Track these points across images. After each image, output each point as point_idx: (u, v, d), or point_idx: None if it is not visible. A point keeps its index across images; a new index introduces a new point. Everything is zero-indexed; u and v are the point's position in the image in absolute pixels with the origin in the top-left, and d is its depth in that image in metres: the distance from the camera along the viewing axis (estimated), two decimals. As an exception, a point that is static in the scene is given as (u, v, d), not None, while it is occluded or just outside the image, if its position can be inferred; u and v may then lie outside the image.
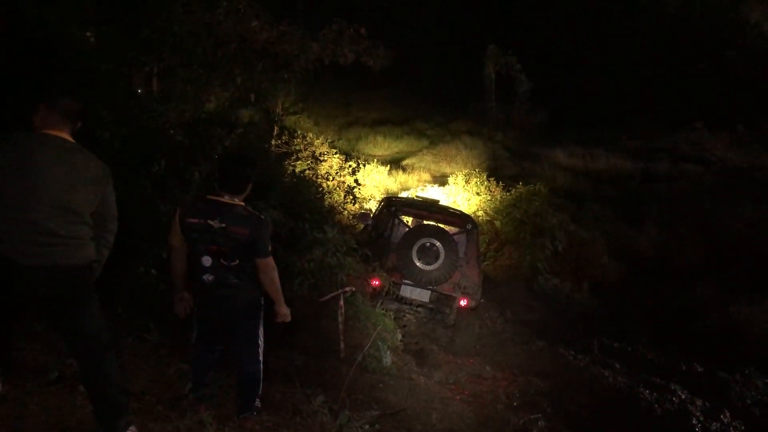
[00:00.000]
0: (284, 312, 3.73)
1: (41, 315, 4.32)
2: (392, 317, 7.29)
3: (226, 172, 3.53)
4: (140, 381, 3.83)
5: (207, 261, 3.40)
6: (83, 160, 3.07)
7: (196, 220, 3.39)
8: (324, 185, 10.63)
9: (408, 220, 9.18)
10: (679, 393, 6.94)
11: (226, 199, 3.47)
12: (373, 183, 15.00)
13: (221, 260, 3.40)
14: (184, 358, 4.30)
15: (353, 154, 16.45)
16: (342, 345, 6.05)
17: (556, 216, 12.03)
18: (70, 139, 3.10)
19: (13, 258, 2.72)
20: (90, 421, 2.80)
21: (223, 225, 3.37)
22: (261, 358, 3.69)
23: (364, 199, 13.12)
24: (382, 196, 13.52)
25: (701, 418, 6.38)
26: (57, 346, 3.89)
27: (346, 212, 11.45)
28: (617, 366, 7.88)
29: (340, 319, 6.07)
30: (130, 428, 2.88)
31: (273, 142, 11.74)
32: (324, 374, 5.53)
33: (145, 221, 6.10)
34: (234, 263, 3.42)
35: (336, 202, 11.16)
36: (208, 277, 3.42)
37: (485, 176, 14.48)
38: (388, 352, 6.41)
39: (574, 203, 13.88)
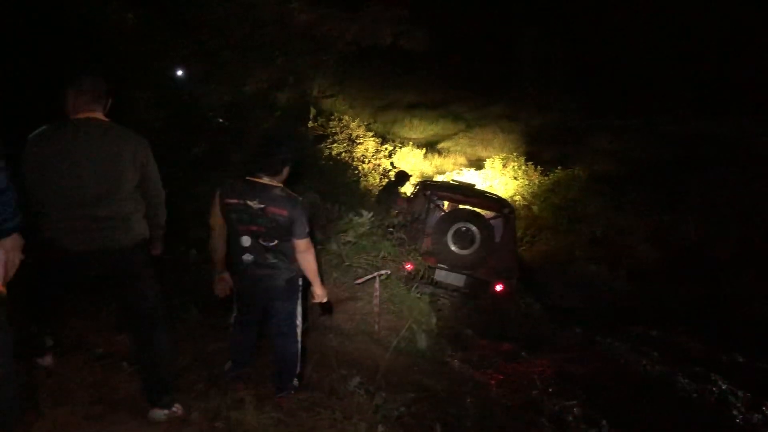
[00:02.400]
0: (321, 293, 3.76)
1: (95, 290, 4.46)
2: (427, 301, 7.28)
3: (264, 154, 3.55)
4: (180, 359, 3.89)
5: (246, 241, 3.44)
6: (119, 137, 3.09)
7: (235, 201, 3.43)
8: (360, 168, 10.64)
9: (444, 204, 9.13)
10: (720, 383, 6.80)
11: (265, 180, 3.50)
12: (409, 166, 14.92)
13: (260, 240, 3.44)
14: (223, 337, 4.35)
15: (388, 137, 16.41)
16: (377, 327, 6.07)
17: (595, 202, 11.85)
18: (104, 118, 3.12)
19: (64, 245, 2.79)
20: (133, 397, 2.87)
21: (262, 206, 3.40)
22: (299, 338, 3.72)
23: (398, 179, 13.07)
24: (418, 180, 13.48)
25: (742, 410, 6.25)
26: (103, 323, 3.99)
27: (382, 195, 11.44)
28: (655, 354, 7.75)
29: (375, 301, 6.08)
30: (175, 405, 2.95)
31: (310, 124, 11.79)
32: (359, 355, 5.56)
33: (185, 202, 6.20)
34: (272, 244, 3.46)
35: (371, 185, 11.17)
36: (247, 257, 3.46)
37: (523, 160, 14.31)
38: (423, 336, 6.40)
39: (613, 189, 13.60)
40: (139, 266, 3.07)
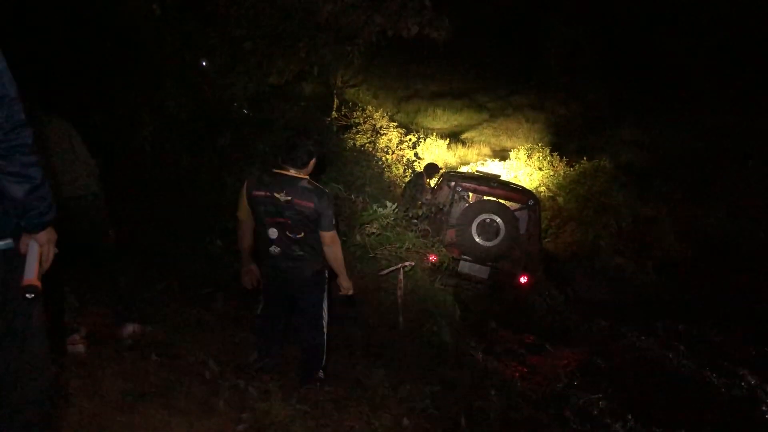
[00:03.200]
0: (347, 285, 3.77)
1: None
2: (451, 293, 7.26)
3: (291, 147, 3.56)
4: (209, 349, 3.93)
5: (273, 233, 3.46)
6: None
7: (262, 193, 3.44)
8: (384, 159, 10.61)
9: (468, 195, 9.08)
10: (749, 378, 6.71)
11: (292, 173, 3.50)
12: (432, 157, 14.87)
13: (287, 233, 3.45)
14: (249, 327, 4.38)
15: (412, 127, 16.35)
16: (401, 318, 6.07)
17: (621, 193, 11.70)
18: None
19: None
20: (163, 387, 2.90)
21: (289, 198, 3.41)
22: (325, 330, 3.73)
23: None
24: (442, 171, 13.43)
25: (771, 405, 6.17)
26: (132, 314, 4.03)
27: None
28: (682, 349, 7.66)
29: (399, 293, 6.08)
30: None
31: (333, 114, 11.78)
32: (384, 347, 5.57)
33: (211, 193, 6.25)
34: (299, 236, 3.47)
35: (395, 175, 11.14)
36: (274, 249, 3.48)
37: (548, 151, 14.17)
38: (447, 328, 6.39)
39: (640, 180, 13.42)
40: None
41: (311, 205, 3.43)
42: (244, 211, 3.55)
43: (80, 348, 3.08)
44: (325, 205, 3.48)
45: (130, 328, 3.73)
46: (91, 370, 2.77)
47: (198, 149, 6.49)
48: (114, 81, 6.20)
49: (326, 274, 3.68)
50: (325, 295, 3.72)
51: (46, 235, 1.93)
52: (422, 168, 10.18)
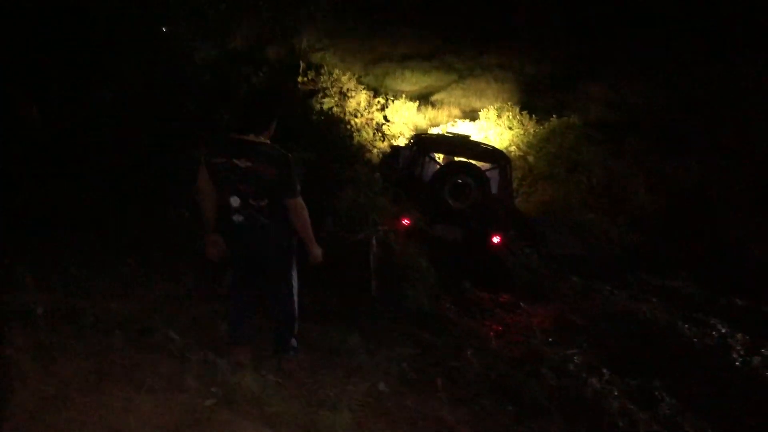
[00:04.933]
0: (316, 253, 3.65)
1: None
2: (425, 256, 7.21)
3: (250, 110, 3.41)
4: (177, 322, 3.82)
5: (235, 201, 3.33)
6: None
7: (221, 160, 3.30)
8: (353, 122, 10.45)
9: (439, 157, 8.99)
10: (720, 327, 6.81)
11: (251, 137, 3.36)
12: (402, 120, 14.68)
13: (250, 200, 3.32)
14: (219, 298, 4.29)
15: (381, 90, 16.12)
16: (374, 284, 6.02)
17: (592, 150, 11.71)
18: None
19: None
20: (128, 366, 2.80)
21: (249, 164, 3.28)
22: (295, 298, 3.64)
23: (393, 136, 12.91)
24: (412, 133, 13.29)
25: (742, 352, 6.27)
26: (94, 289, 3.91)
27: (375, 150, 11.29)
28: (655, 301, 7.74)
29: (372, 258, 6.02)
30: None
31: (299, 79, 11.53)
32: (359, 313, 5.52)
33: (177, 164, 6.07)
34: (263, 203, 3.34)
35: (365, 139, 10.99)
36: (237, 218, 3.35)
37: (517, 110, 14.09)
38: (422, 290, 6.36)
39: (611, 136, 13.42)
40: None
41: (273, 170, 3.30)
42: (203, 179, 3.40)
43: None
44: (288, 170, 3.35)
45: None
46: (51, 351, 2.65)
47: (160, 119, 6.28)
48: (69, 50, 5.94)
49: (294, 242, 3.57)
50: (294, 263, 3.62)
51: None
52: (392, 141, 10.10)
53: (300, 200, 3.42)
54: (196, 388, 2.71)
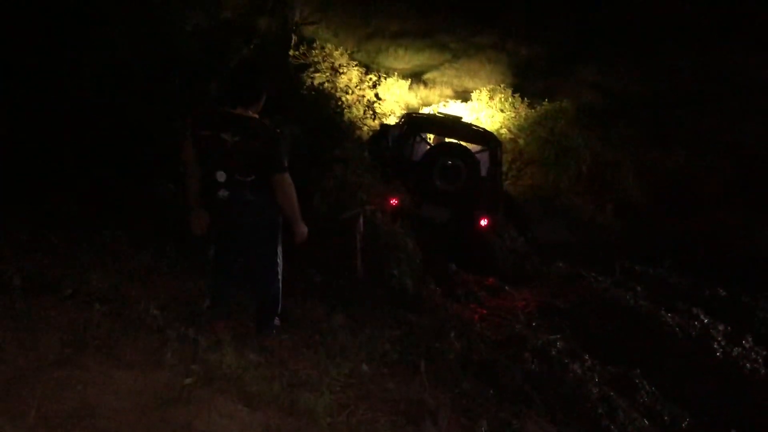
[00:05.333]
0: (302, 231, 3.58)
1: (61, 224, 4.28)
2: (411, 236, 7.18)
3: (238, 83, 3.32)
4: (159, 297, 3.77)
5: (221, 176, 3.25)
6: None
7: (208, 133, 3.21)
8: (343, 99, 10.32)
9: (429, 137, 8.93)
10: (702, 317, 6.87)
11: (240, 111, 3.28)
12: (394, 98, 14.59)
13: (236, 175, 3.25)
14: (203, 274, 4.22)
15: (373, 67, 15.97)
16: (359, 263, 5.98)
17: (582, 136, 11.69)
18: None
19: None
20: (105, 339, 2.74)
21: (236, 138, 3.20)
22: (280, 276, 3.59)
23: (384, 114, 12.80)
24: (403, 112, 13.19)
25: (723, 343, 6.32)
26: (72, 260, 3.83)
27: (366, 128, 11.18)
28: (639, 289, 7.80)
29: (358, 237, 5.97)
30: None
31: (291, 52, 11.34)
32: (344, 292, 5.49)
33: (162, 136, 5.95)
34: (249, 179, 3.27)
35: (356, 117, 10.87)
36: (223, 193, 3.28)
37: (510, 92, 14.02)
38: (408, 271, 6.34)
39: (602, 123, 13.42)
40: None
41: (260, 145, 3.22)
42: (188, 152, 3.32)
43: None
44: (276, 145, 3.27)
45: None
46: (27, 323, 2.59)
47: (146, 91, 6.14)
48: (52, 19, 5.78)
49: (280, 219, 3.50)
50: (279, 240, 3.56)
51: None
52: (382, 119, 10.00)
53: (287, 176, 3.35)
54: (176, 365, 2.66)
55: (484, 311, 6.70)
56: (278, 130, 3.33)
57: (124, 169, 5.67)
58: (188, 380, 2.46)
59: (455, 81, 18.00)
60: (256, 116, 3.32)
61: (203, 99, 6.31)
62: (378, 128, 10.73)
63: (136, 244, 4.76)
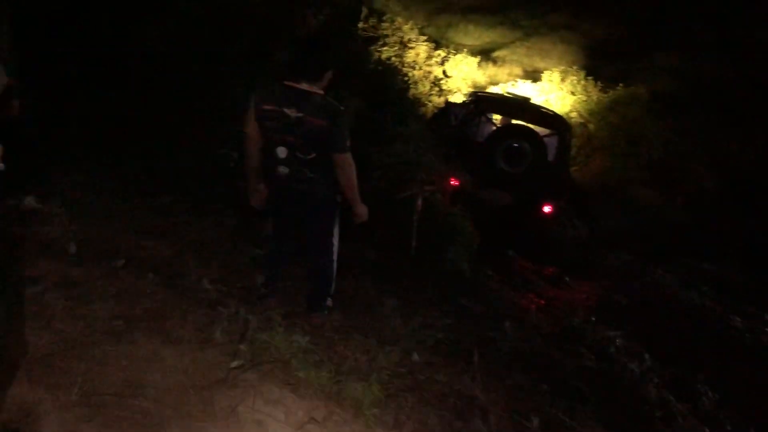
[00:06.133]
0: (361, 212, 3.48)
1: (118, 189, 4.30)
2: (470, 219, 7.02)
3: (305, 57, 3.21)
4: (213, 269, 3.75)
5: (282, 152, 3.16)
6: None
7: (270, 107, 3.13)
8: (410, 75, 10.12)
9: (496, 118, 8.67)
10: (775, 324, 6.49)
11: (304, 86, 3.17)
12: (461, 75, 14.25)
13: (296, 153, 3.16)
14: (260, 246, 4.17)
15: (442, 42, 15.64)
16: (414, 243, 5.87)
17: (655, 123, 11.16)
18: None
19: None
20: (156, 311, 2.72)
21: (300, 114, 3.10)
22: (335, 257, 3.51)
23: (450, 91, 12.54)
24: (469, 90, 12.90)
25: (796, 353, 5.96)
26: (129, 226, 3.84)
27: (430, 105, 10.97)
28: (706, 289, 7.43)
29: (415, 217, 5.85)
30: None
31: (360, 24, 11.20)
32: (397, 273, 5.40)
33: (223, 101, 5.94)
34: (310, 156, 3.17)
35: (421, 93, 10.66)
36: (282, 170, 3.20)
37: (583, 75, 13.51)
38: (464, 255, 6.20)
39: (676, 110, 12.76)
40: None
41: (323, 123, 3.11)
42: (251, 126, 3.24)
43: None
44: (339, 124, 3.16)
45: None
46: (80, 291, 2.58)
47: (211, 56, 6.13)
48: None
49: (338, 199, 3.41)
50: (336, 220, 3.47)
51: None
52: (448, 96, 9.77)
53: (349, 156, 3.25)
54: (224, 344, 2.62)
55: (542, 301, 6.50)
56: (342, 107, 3.22)
57: (186, 135, 5.70)
58: (235, 363, 2.41)
59: (525, 60, 17.48)
60: (322, 92, 3.22)
61: (267, 66, 6.27)
62: (442, 105, 10.52)
63: (196, 212, 4.77)
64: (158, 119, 5.57)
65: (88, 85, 5.18)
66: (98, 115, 5.07)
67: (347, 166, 3.25)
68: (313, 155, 3.17)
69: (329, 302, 3.58)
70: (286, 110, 3.09)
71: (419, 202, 5.89)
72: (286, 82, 3.17)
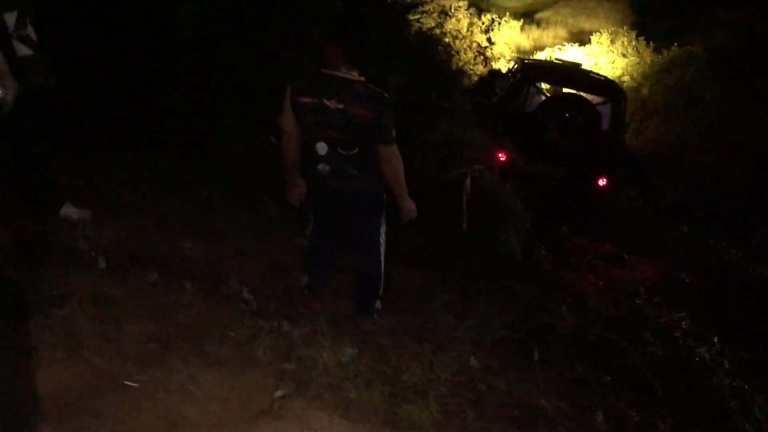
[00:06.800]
0: (408, 208, 3.19)
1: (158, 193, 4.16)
2: (521, 196, 6.68)
3: (344, 37, 2.92)
4: (255, 269, 3.54)
5: (322, 149, 2.89)
6: None
7: (309, 100, 2.85)
8: (453, 45, 9.71)
9: (545, 87, 8.26)
10: None
11: (344, 73, 2.88)
12: (504, 40, 13.73)
13: (338, 148, 2.89)
14: (301, 237, 3.94)
15: (482, 4, 15.08)
16: (464, 226, 5.61)
17: (715, 85, 10.54)
18: None
19: None
20: (195, 328, 2.51)
21: (341, 106, 2.82)
22: (383, 257, 3.25)
23: (494, 57, 12.05)
24: (513, 56, 12.41)
25: None
26: (167, 223, 3.67)
27: (474, 75, 10.54)
28: (778, 264, 6.99)
29: (464, 199, 5.58)
30: None
31: (396, -7, 10.82)
32: (446, 259, 5.15)
33: (261, 83, 5.71)
34: (353, 152, 2.90)
35: (464, 63, 10.23)
36: (323, 167, 2.93)
37: (634, 36, 12.85)
38: (516, 235, 5.91)
39: (737, 70, 12.03)
40: None
41: (368, 113, 2.83)
42: (288, 120, 2.97)
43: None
44: (384, 112, 2.88)
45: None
46: (112, 311, 2.39)
47: (246, 35, 5.89)
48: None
49: (384, 195, 3.14)
50: (383, 218, 3.20)
51: None
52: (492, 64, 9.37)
53: (395, 148, 2.97)
54: (268, 364, 2.40)
55: (600, 282, 6.19)
56: (386, 95, 2.94)
57: (221, 120, 5.51)
58: (279, 393, 2.18)
59: (570, 21, 16.79)
60: (362, 79, 2.93)
61: (305, 45, 6.01)
62: (485, 75, 10.10)
63: (235, 204, 4.59)
64: (193, 106, 5.39)
65: (120, 75, 5.01)
66: (130, 104, 4.90)
67: (394, 158, 2.97)
68: (356, 150, 2.90)
69: (378, 305, 3.34)
70: (326, 101, 2.81)
71: (468, 182, 5.61)
72: (324, 70, 2.89)
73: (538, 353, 3.71)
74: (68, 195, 3.36)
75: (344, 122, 2.83)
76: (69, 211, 3.23)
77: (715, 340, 5.21)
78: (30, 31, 3.16)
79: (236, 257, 3.61)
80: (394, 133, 2.93)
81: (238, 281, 3.10)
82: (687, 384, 4.52)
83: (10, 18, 3.03)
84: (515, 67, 8.57)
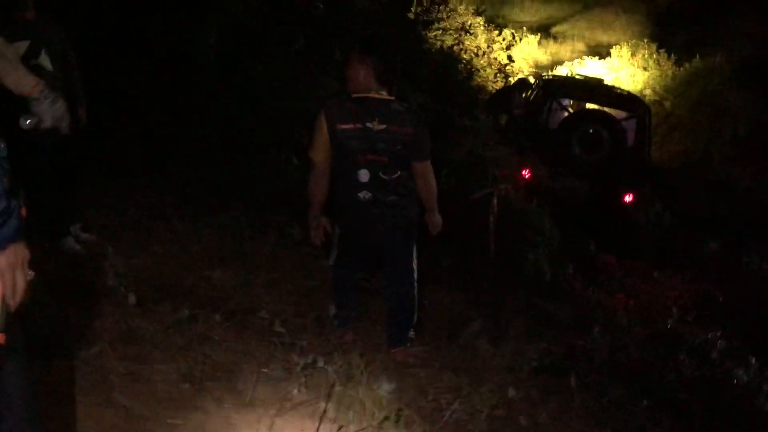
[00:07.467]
0: (438, 222, 3.18)
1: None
2: (548, 214, 6.57)
3: (375, 59, 2.85)
4: (285, 296, 3.47)
5: (364, 176, 2.82)
6: None
7: (351, 126, 2.79)
8: (472, 62, 9.67)
9: (569, 103, 8.16)
10: None
11: (377, 94, 2.83)
12: (522, 55, 13.66)
13: (380, 173, 2.84)
14: (326, 256, 3.86)
15: (498, 20, 15.04)
16: (492, 247, 5.50)
17: (740, 96, 10.38)
18: None
19: None
20: (229, 365, 2.42)
21: (383, 126, 2.78)
22: (416, 284, 3.15)
23: (513, 73, 11.98)
24: (532, 71, 12.33)
25: None
26: (192, 251, 3.61)
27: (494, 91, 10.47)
28: (814, 280, 6.79)
29: (491, 219, 5.48)
30: None
31: (413, 9, 10.80)
32: (476, 280, 5.04)
33: (286, 103, 5.69)
34: (395, 176, 2.87)
35: (484, 80, 10.17)
36: (365, 195, 2.85)
37: (654, 48, 12.70)
38: (545, 254, 5.79)
39: (762, 80, 11.86)
40: None
41: (410, 131, 2.83)
42: (320, 151, 2.88)
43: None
44: (422, 129, 2.91)
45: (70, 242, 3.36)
46: (142, 350, 2.31)
47: (269, 56, 5.87)
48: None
49: (417, 219, 3.07)
50: (415, 242, 3.11)
51: (8, 258, 1.21)
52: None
53: (429, 163, 2.98)
54: (303, 403, 2.30)
55: (631, 301, 6.03)
56: (418, 110, 2.91)
57: (244, 141, 5.47)
58: (319, 437, 2.08)
59: (587, 34, 16.68)
60: (393, 97, 2.88)
61: (327, 64, 5.99)
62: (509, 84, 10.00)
63: (259, 228, 4.52)
64: (216, 128, 5.36)
65: (138, 94, 5.01)
66: (146, 124, 4.89)
67: (428, 173, 3.00)
68: (398, 173, 2.86)
69: (412, 334, 3.23)
70: (368, 124, 2.75)
71: (495, 201, 5.52)
72: (356, 95, 2.82)
73: (575, 379, 3.60)
74: (92, 222, 3.33)
75: (387, 143, 2.81)
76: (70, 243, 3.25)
77: (753, 361, 5.06)
78: (44, 60, 3.17)
79: (265, 285, 3.54)
80: (430, 148, 2.93)
81: (267, 312, 3.03)
82: (726, 406, 4.38)
83: (22, 47, 3.04)
84: (537, 83, 8.50)
